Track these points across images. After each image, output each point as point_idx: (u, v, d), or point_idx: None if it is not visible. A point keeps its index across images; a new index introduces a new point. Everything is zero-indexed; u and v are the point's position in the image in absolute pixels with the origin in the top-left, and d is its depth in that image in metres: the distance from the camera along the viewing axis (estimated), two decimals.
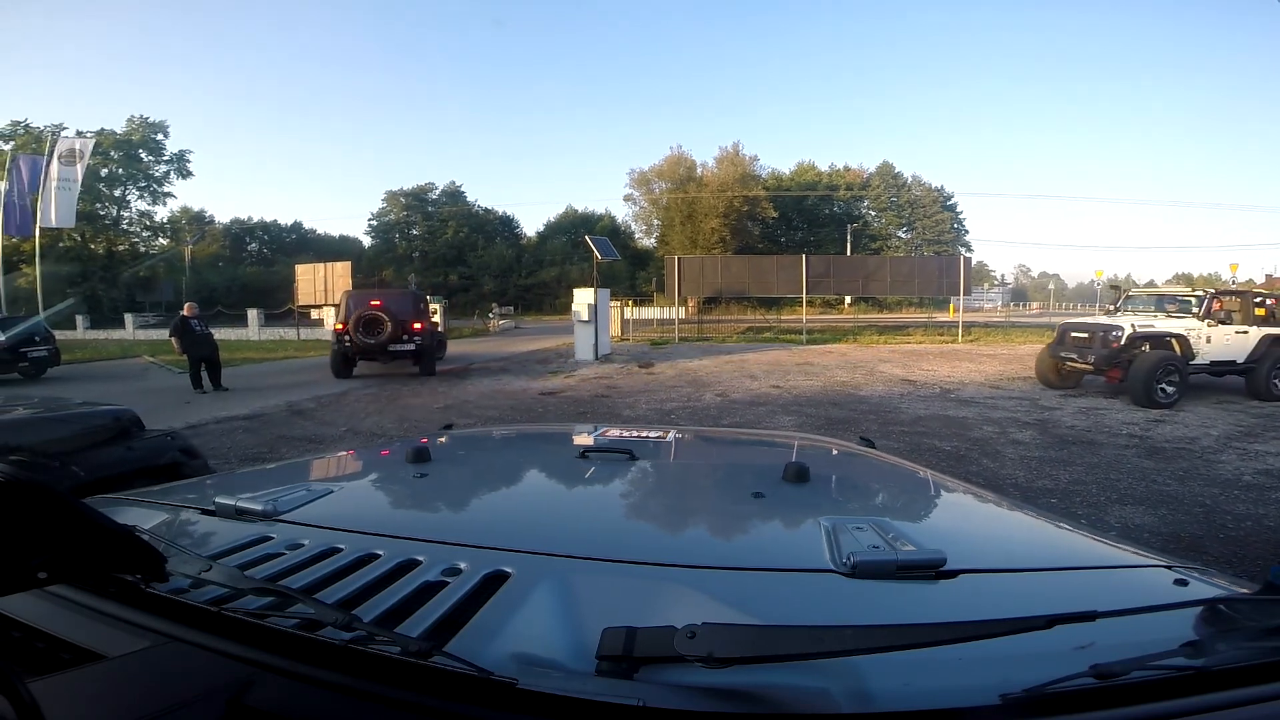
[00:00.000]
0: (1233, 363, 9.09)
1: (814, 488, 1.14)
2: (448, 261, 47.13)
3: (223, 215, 52.39)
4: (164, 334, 9.38)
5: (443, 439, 1.78)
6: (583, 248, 40.22)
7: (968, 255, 24.40)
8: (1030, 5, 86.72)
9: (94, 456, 2.31)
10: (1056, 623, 0.52)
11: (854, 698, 0.52)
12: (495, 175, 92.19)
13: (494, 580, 0.72)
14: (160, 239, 40.74)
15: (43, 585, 0.49)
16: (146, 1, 76.54)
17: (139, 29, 73.20)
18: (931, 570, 0.72)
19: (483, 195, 79.95)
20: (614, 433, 1.72)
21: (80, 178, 23.00)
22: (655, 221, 46.13)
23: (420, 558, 0.78)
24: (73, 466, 2.13)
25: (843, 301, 35.58)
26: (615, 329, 19.22)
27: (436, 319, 14.93)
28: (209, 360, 9.87)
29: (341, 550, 0.80)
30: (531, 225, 59.03)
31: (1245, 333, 9.13)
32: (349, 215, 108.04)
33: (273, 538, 0.85)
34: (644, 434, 1.71)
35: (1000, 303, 65.49)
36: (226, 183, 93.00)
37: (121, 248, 37.95)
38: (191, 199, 66.00)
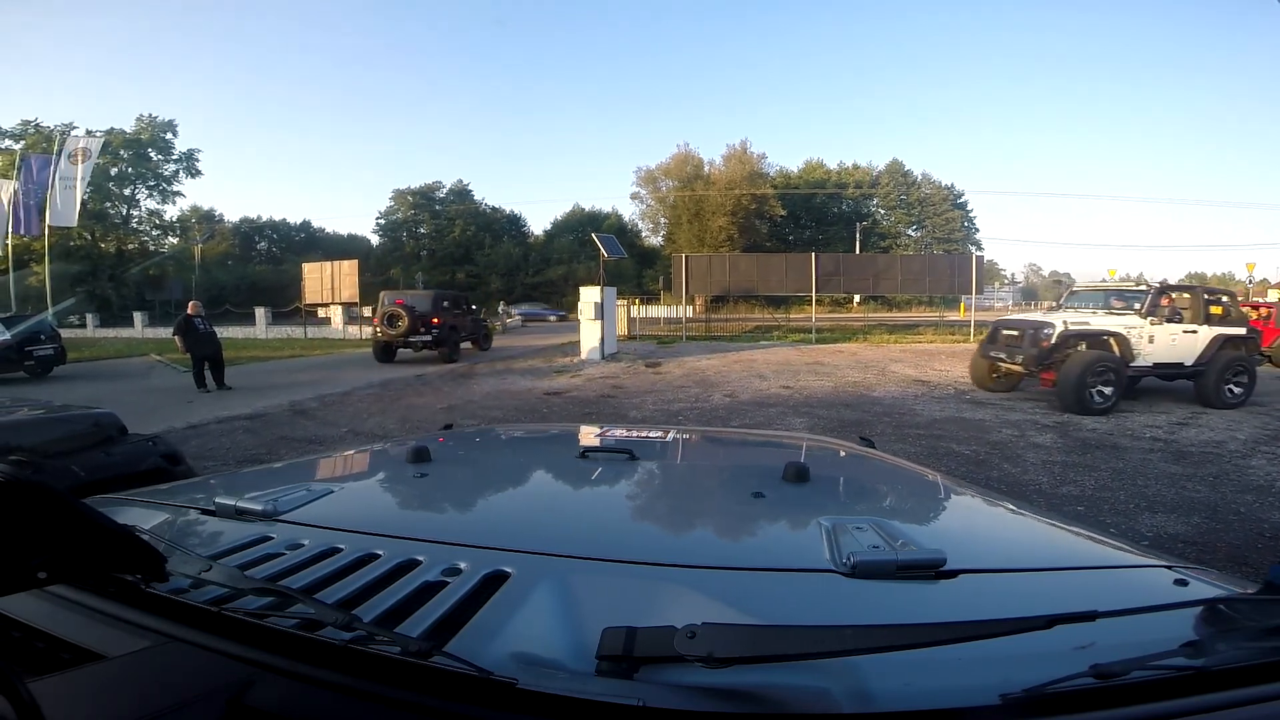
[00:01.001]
0: (1180, 365, 8.33)
1: (814, 488, 1.15)
2: (455, 260, 47.04)
3: (232, 214, 52.64)
4: (172, 332, 9.35)
5: (443, 439, 1.77)
6: (590, 246, 39.73)
7: (979, 254, 24.06)
8: (1042, 2, 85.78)
9: (68, 463, 2.19)
10: (1056, 623, 0.52)
11: (854, 698, 0.52)
12: (502, 174, 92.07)
13: (494, 580, 0.72)
14: (170, 238, 40.90)
15: (43, 585, 0.49)
16: (155, 1, 77.02)
17: (148, 28, 73.69)
18: (931, 570, 0.72)
19: (490, 194, 79.96)
20: (614, 432, 1.72)
21: (86, 176, 23.03)
22: (662, 220, 45.88)
23: (420, 558, 0.77)
24: (43, 474, 2.01)
25: (851, 300, 35.24)
26: (622, 328, 19.06)
27: (483, 316, 18.07)
28: (212, 359, 9.79)
29: (341, 550, 0.80)
30: (539, 224, 59.05)
31: (1194, 332, 8.32)
32: (357, 214, 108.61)
33: (273, 538, 0.85)
34: (644, 434, 1.71)
35: (1011, 302, 64.75)
36: (236, 182, 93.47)
37: (131, 247, 38.07)
38: (201, 198, 66.53)
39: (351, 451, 1.82)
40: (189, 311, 9.76)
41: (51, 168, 22.02)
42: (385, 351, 13.83)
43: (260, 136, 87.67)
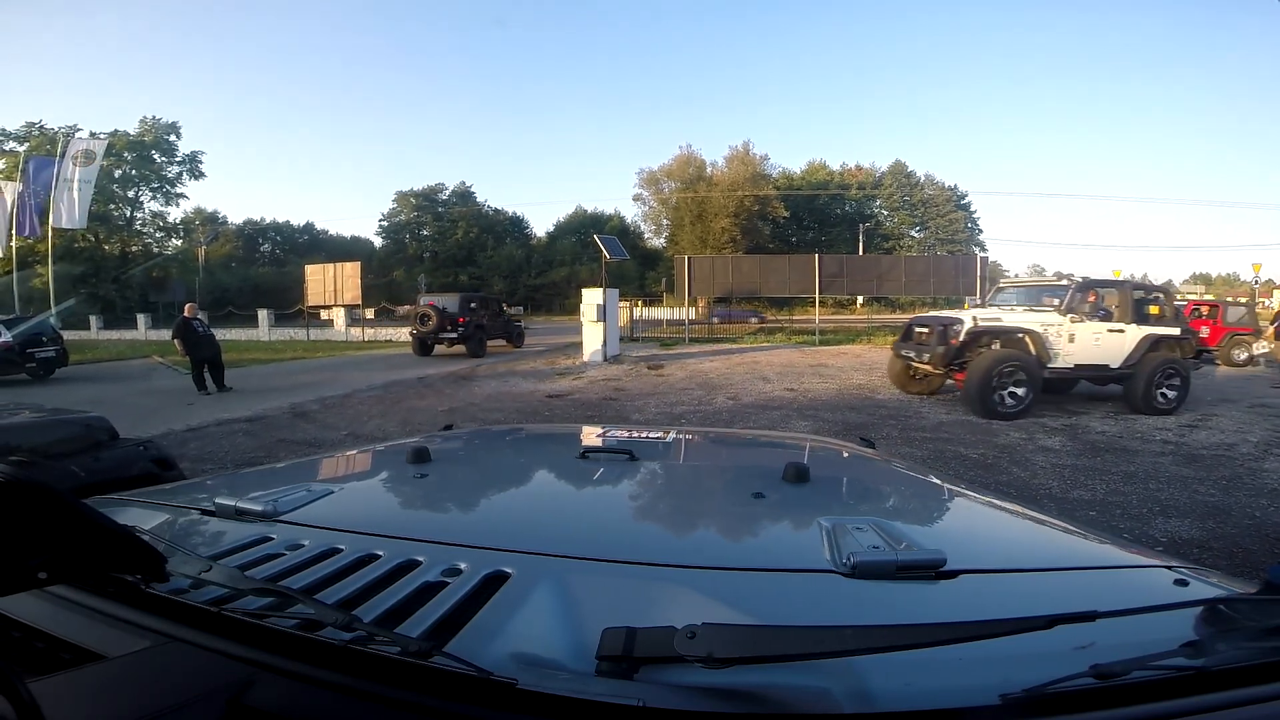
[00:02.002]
0: (1105, 367, 7.72)
1: (814, 488, 1.14)
2: (458, 262, 47.09)
3: (236, 216, 52.95)
4: (170, 335, 9.37)
5: (443, 439, 1.77)
6: (592, 248, 40.52)
7: (983, 255, 23.93)
8: (1045, 1, 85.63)
9: (53, 469, 2.13)
10: (1057, 623, 0.52)
11: (854, 698, 0.52)
12: (505, 175, 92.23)
13: (494, 580, 0.72)
14: (174, 240, 41.03)
15: (43, 585, 0.49)
16: (158, 3, 77.36)
17: (151, 31, 74.01)
18: (931, 570, 0.72)
19: (493, 196, 79.87)
20: (614, 433, 1.72)
21: (93, 179, 23.10)
22: (665, 221, 45.84)
23: (420, 558, 0.77)
24: (44, 474, 1.95)
25: (855, 302, 35.13)
26: (625, 329, 19.02)
27: (517, 317, 20.12)
28: (212, 361, 9.75)
29: (341, 550, 0.80)
30: (541, 225, 59.06)
31: (1120, 331, 7.66)
32: (361, 216, 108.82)
33: (273, 538, 0.85)
34: (644, 434, 1.71)
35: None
36: (239, 184, 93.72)
37: (135, 249, 38.22)
38: (205, 200, 66.68)
39: (351, 452, 1.81)
40: (186, 314, 9.72)
41: (55, 170, 22.06)
42: (422, 347, 15.32)
43: (264, 138, 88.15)
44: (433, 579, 0.72)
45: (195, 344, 9.51)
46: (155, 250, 39.64)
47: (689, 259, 20.96)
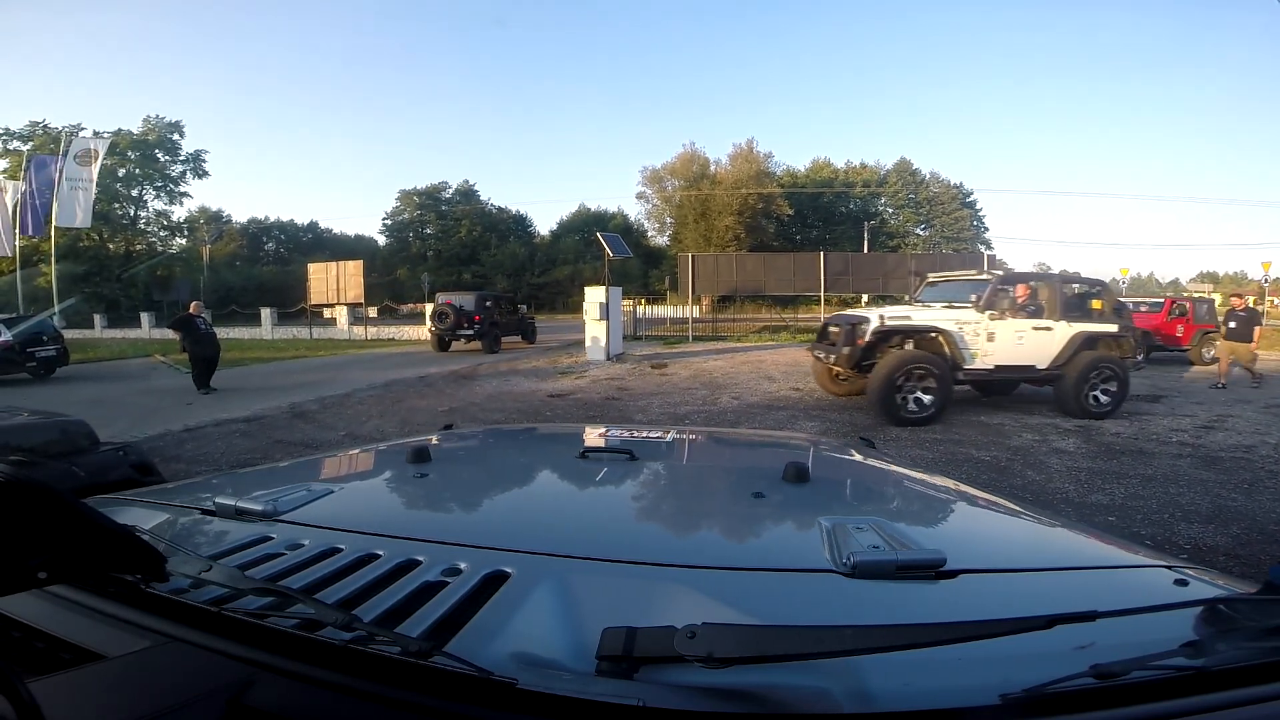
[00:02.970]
0: (1030, 368, 7.13)
1: (814, 488, 1.15)
2: (461, 260, 47.02)
3: (240, 215, 53.04)
4: (168, 324, 9.39)
5: (443, 439, 1.76)
6: (595, 246, 41.02)
7: (989, 253, 23.71)
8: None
9: (53, 469, 2.03)
10: (1056, 623, 0.52)
11: (854, 698, 0.52)
12: (508, 174, 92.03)
13: (494, 580, 0.71)
14: (178, 239, 41.00)
15: (43, 585, 0.49)
16: (162, 2, 77.44)
17: (154, 30, 74.14)
18: (931, 570, 0.71)
19: (496, 194, 79.91)
20: (615, 433, 1.73)
21: (95, 177, 23.08)
22: (668, 220, 45.73)
23: (420, 558, 0.77)
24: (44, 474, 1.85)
25: (860, 300, 34.94)
26: (628, 328, 18.91)
27: (528, 314, 20.91)
28: (210, 360, 9.67)
29: (341, 550, 0.80)
30: (544, 224, 58.69)
31: (1048, 329, 7.05)
32: (364, 214, 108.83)
33: (273, 538, 0.85)
34: (645, 434, 1.72)
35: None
36: (243, 183, 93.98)
37: (139, 247, 38.20)
38: (209, 199, 66.85)
39: (351, 451, 1.79)
40: (190, 311, 9.66)
41: (58, 169, 22.05)
42: (440, 343, 16.05)
43: (268, 137, 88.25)
44: (433, 579, 0.72)
45: (196, 342, 9.44)
46: (159, 249, 39.67)
47: (693, 257, 20.85)
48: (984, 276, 7.63)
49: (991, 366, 7.04)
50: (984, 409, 7.78)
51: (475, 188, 51.11)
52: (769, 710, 0.52)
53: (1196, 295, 18.37)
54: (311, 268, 23.45)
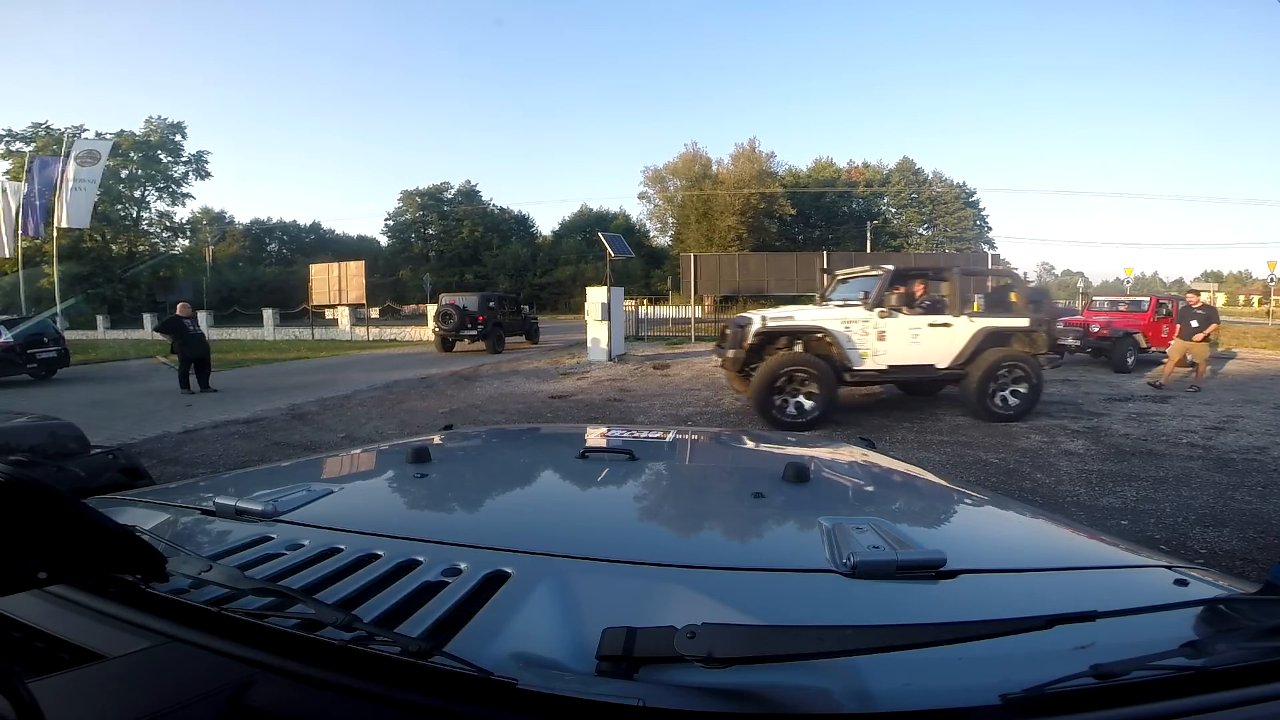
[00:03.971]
0: (930, 367, 6.69)
1: (814, 488, 1.15)
2: (463, 261, 47.06)
3: (243, 216, 53.13)
4: (155, 327, 9.48)
5: (443, 439, 1.76)
6: (597, 247, 40.88)
7: (992, 252, 23.59)
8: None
9: (26, 475, 1.99)
10: (1056, 623, 0.52)
11: (854, 698, 0.52)
12: (510, 174, 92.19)
13: (494, 580, 0.71)
14: (180, 239, 41.10)
15: (43, 585, 0.49)
16: (165, 3, 77.56)
17: (156, 31, 74.29)
18: (931, 570, 0.71)
19: (498, 195, 79.82)
20: (615, 433, 1.71)
21: (98, 179, 23.09)
22: (670, 219, 45.66)
23: (420, 558, 0.77)
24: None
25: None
26: (630, 328, 18.83)
27: (531, 313, 20.51)
28: (200, 361, 9.72)
29: (341, 550, 0.80)
30: (546, 224, 58.80)
31: (946, 325, 6.61)
32: (367, 215, 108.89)
33: (273, 538, 0.85)
34: (645, 434, 1.71)
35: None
36: (247, 184, 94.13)
37: (141, 248, 38.27)
38: (211, 200, 66.92)
39: (352, 452, 1.78)
40: (179, 313, 9.73)
41: (59, 169, 22.05)
42: (444, 344, 16.11)
43: (270, 138, 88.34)
44: (433, 579, 0.72)
45: (185, 343, 9.54)
46: (162, 249, 39.71)
47: (695, 257, 20.75)
48: (876, 272, 7.12)
49: (884, 367, 6.65)
50: None
51: (477, 188, 51.27)
52: (769, 710, 0.52)
53: (1175, 294, 17.87)
54: (314, 268, 23.46)
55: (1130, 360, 11.48)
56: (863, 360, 6.59)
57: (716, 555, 0.86)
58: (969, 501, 1.29)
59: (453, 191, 50.40)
